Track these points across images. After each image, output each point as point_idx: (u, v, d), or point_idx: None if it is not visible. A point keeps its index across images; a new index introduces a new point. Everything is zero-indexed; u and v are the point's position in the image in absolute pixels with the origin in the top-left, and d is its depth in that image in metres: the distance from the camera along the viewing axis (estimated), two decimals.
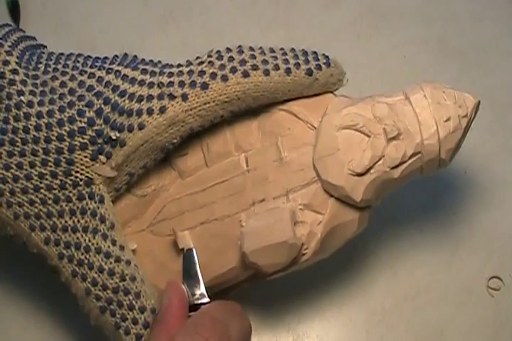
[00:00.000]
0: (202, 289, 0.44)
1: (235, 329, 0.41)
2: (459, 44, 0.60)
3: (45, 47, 0.49)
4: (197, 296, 0.44)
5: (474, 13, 0.61)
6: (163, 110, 0.44)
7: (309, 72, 0.46)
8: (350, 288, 0.54)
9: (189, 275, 0.45)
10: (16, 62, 0.45)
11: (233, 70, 0.45)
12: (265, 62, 0.45)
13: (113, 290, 0.44)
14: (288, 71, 0.46)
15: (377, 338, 0.53)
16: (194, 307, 0.44)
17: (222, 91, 0.45)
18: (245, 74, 0.45)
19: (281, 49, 0.47)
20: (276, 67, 0.45)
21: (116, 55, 0.47)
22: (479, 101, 0.46)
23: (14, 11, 0.60)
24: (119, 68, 0.46)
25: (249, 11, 0.61)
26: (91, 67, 0.46)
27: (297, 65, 0.46)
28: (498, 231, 0.55)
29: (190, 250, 0.46)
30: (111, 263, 0.44)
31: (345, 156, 0.45)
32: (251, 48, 0.46)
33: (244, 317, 0.43)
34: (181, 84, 0.45)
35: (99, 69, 0.46)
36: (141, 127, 0.44)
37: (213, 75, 0.45)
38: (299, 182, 0.45)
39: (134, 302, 0.44)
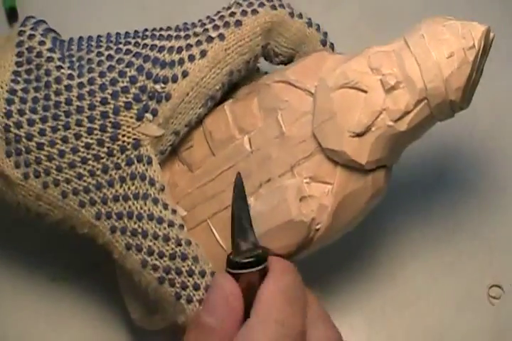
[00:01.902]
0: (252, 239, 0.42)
1: None
2: None
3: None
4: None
5: (474, 15, 0.60)
6: (204, 54, 0.45)
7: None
8: (350, 294, 0.54)
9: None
10: (52, 42, 0.45)
11: (261, 5, 0.47)
12: (290, 7, 0.48)
13: (170, 256, 0.43)
14: (309, 24, 0.48)
15: None
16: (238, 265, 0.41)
17: (254, 23, 0.46)
18: (273, 8, 0.47)
19: None
20: (300, 16, 0.48)
21: (146, 29, 0.47)
22: (488, 29, 0.43)
23: (12, 17, 0.60)
24: (154, 32, 0.46)
25: None
26: (125, 37, 0.46)
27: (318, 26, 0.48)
28: (499, 239, 0.55)
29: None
30: (165, 228, 0.43)
31: (343, 118, 0.42)
32: None
33: None
34: (215, 27, 0.46)
35: (133, 38, 0.46)
36: (185, 75, 0.44)
37: (244, 12, 0.46)
38: (302, 154, 0.43)
39: (193, 267, 0.43)
